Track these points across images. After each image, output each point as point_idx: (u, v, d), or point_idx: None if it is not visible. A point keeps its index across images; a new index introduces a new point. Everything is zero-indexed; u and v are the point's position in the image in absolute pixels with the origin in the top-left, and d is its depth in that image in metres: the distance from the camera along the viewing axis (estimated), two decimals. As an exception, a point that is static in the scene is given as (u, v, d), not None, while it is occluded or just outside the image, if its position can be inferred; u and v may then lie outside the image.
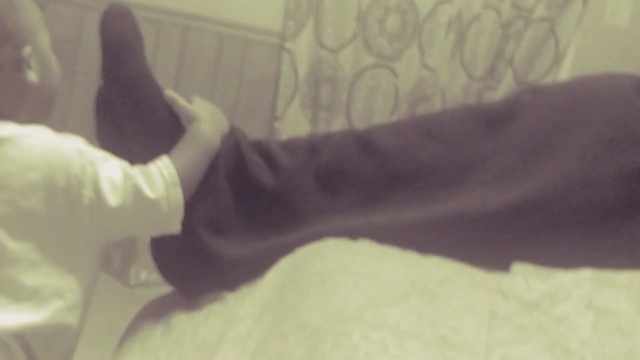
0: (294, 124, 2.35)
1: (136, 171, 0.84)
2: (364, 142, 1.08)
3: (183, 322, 0.83)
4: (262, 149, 1.06)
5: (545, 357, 0.53)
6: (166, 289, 1.04)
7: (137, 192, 0.81)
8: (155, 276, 1.44)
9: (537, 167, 1.02)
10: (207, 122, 0.98)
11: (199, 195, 0.95)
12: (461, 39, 2.37)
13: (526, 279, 0.74)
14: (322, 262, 0.77)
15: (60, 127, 2.26)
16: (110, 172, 0.81)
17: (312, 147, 1.09)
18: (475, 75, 2.40)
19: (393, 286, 0.64)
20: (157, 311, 0.92)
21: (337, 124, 2.34)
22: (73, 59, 2.32)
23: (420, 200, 1.01)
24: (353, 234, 0.93)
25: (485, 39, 2.36)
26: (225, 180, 1.00)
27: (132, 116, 0.99)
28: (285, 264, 0.83)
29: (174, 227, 0.86)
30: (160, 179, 0.83)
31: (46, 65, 0.91)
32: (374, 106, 2.37)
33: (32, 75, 0.86)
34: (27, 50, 0.86)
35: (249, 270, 0.94)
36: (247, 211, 1.02)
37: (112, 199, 0.79)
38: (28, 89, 0.87)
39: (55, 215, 0.78)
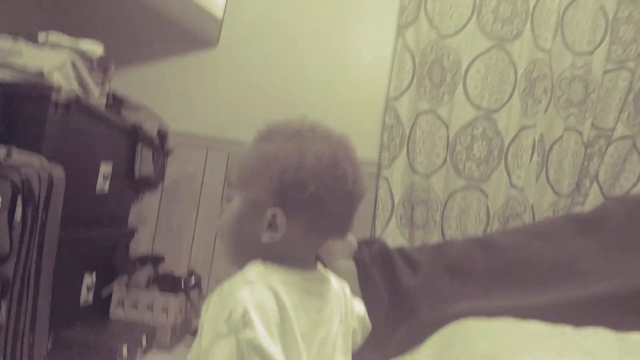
0: (392, 243, 2.53)
1: None
2: (482, 242, 1.30)
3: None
4: (401, 252, 1.30)
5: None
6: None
7: None
8: None
9: (619, 266, 1.18)
10: None
11: (367, 298, 1.12)
12: (545, 159, 2.55)
13: None
14: (473, 326, 0.92)
15: (186, 253, 2.53)
16: None
17: (438, 247, 1.32)
18: (562, 192, 2.54)
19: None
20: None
21: (433, 242, 2.51)
22: (198, 191, 2.65)
23: (533, 284, 1.18)
24: (481, 314, 1.08)
25: (569, 158, 2.53)
26: (380, 280, 1.22)
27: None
28: (435, 338, 0.98)
29: None
30: None
31: None
32: (467, 224, 2.53)
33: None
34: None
35: (400, 347, 1.10)
36: (395, 302, 1.21)
37: None
38: None
39: None
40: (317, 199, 0.83)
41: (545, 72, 2.51)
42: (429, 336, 1.03)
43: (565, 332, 0.73)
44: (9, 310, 1.59)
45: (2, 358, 1.51)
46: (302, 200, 0.83)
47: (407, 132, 2.55)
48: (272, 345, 0.72)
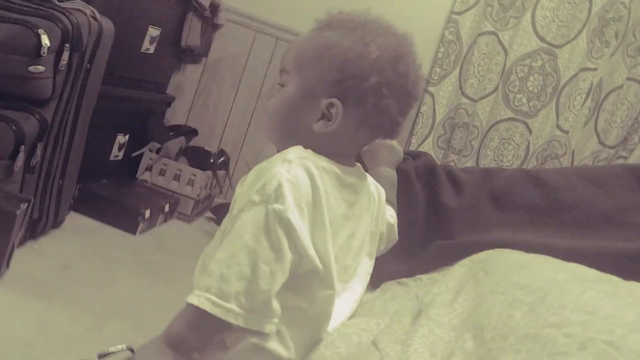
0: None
1: None
2: (533, 176, 1.26)
3: (372, 299, 0.96)
4: (448, 170, 1.27)
5: None
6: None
7: None
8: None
9: None
10: None
11: (403, 211, 1.10)
12: (597, 106, 2.45)
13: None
14: (512, 257, 0.90)
15: (219, 131, 2.52)
16: None
17: (487, 172, 1.28)
18: (607, 142, 2.47)
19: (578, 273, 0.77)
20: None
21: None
22: (240, 72, 2.61)
23: (578, 228, 1.15)
24: (520, 247, 1.06)
25: (623, 109, 2.43)
26: (421, 194, 1.20)
27: None
28: (468, 262, 0.97)
29: None
30: None
31: None
32: (504, 156, 2.48)
33: None
34: None
35: (429, 264, 1.10)
36: (432, 220, 1.20)
37: None
38: None
39: None
40: (376, 92, 0.80)
41: (622, 14, 2.36)
42: (460, 259, 1.02)
43: (613, 280, 0.71)
44: (44, 151, 1.61)
45: (32, 197, 1.55)
46: (360, 92, 0.80)
47: (465, 51, 2.45)
48: (299, 221, 0.73)
